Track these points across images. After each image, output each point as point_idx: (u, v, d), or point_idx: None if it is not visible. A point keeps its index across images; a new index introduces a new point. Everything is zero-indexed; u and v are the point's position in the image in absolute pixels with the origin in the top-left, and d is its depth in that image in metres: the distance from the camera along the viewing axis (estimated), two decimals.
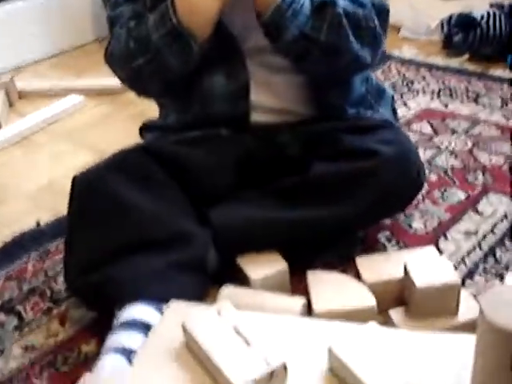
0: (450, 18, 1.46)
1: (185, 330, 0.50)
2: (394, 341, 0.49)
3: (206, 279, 0.66)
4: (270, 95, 0.75)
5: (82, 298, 0.67)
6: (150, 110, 1.16)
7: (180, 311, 0.54)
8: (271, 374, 0.45)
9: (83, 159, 1.12)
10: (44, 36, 1.66)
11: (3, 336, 0.69)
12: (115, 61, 0.74)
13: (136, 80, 0.74)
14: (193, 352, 0.49)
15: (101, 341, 0.64)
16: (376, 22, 0.71)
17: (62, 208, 0.93)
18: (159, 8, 0.68)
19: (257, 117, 0.75)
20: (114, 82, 1.39)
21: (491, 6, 1.47)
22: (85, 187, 0.66)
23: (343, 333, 0.51)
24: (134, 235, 0.63)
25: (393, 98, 0.85)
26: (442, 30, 1.48)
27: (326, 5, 0.68)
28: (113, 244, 0.62)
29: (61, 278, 0.77)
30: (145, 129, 0.84)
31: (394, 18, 1.58)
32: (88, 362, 0.63)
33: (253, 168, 0.73)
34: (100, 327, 0.66)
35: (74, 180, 0.69)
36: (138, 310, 0.59)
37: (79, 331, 0.68)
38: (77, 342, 0.67)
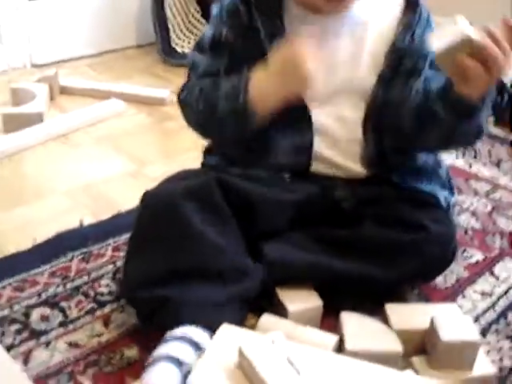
0: None
1: (241, 353, 0.56)
2: None
3: (247, 311, 0.72)
4: (333, 147, 0.80)
5: (137, 308, 0.72)
6: (187, 127, 1.24)
7: (232, 335, 0.60)
8: None
9: (119, 165, 1.18)
10: (87, 35, 1.73)
11: (48, 329, 0.74)
12: (186, 109, 0.81)
13: (199, 131, 0.81)
14: (246, 375, 0.55)
15: (142, 348, 0.70)
16: None
17: (100, 212, 1.00)
18: (233, 79, 0.75)
19: (317, 165, 0.80)
20: (155, 93, 1.47)
21: None
22: (157, 207, 0.71)
23: (375, 373, 0.57)
24: (197, 262, 0.68)
25: (447, 171, 0.89)
26: None
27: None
28: (177, 265, 0.68)
29: (103, 281, 0.83)
30: (208, 152, 0.88)
31: None
32: (131, 366, 0.68)
33: (309, 213, 0.78)
34: (141, 335, 0.72)
35: (146, 196, 0.74)
36: (191, 330, 0.65)
37: (122, 335, 0.73)
38: (120, 346, 0.72)
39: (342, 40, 0.78)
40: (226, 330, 0.61)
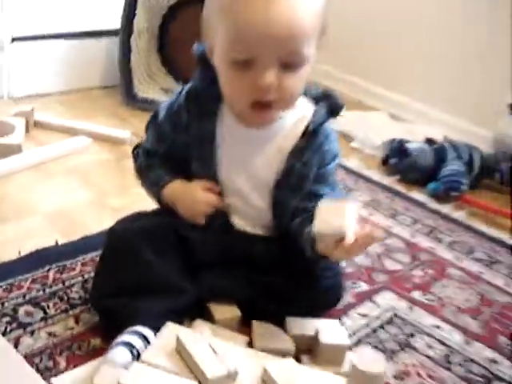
0: (392, 141, 1.83)
1: (178, 341, 0.81)
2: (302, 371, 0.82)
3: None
4: (246, 221, 1.03)
5: (99, 312, 0.97)
6: None
7: (173, 329, 0.85)
8: (228, 373, 0.77)
9: (87, 195, 1.41)
10: (58, 73, 1.96)
11: (33, 322, 0.98)
12: (135, 160, 1.10)
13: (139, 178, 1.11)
14: (182, 356, 0.81)
15: (104, 339, 0.94)
16: None
17: (70, 233, 1.23)
18: (160, 173, 1.04)
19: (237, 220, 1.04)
20: (116, 133, 1.71)
21: (426, 141, 1.85)
22: (117, 242, 0.97)
23: (272, 361, 0.83)
24: (147, 283, 0.93)
25: None
26: (383, 149, 1.85)
27: None
28: (130, 285, 0.93)
29: (74, 289, 1.06)
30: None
31: (348, 129, 1.97)
32: (95, 351, 0.93)
33: (234, 256, 1.02)
34: (103, 330, 0.97)
35: (111, 231, 1.00)
36: (141, 327, 0.90)
37: (89, 329, 0.97)
38: (87, 337, 0.96)
39: (260, 147, 0.98)
40: (169, 327, 0.87)
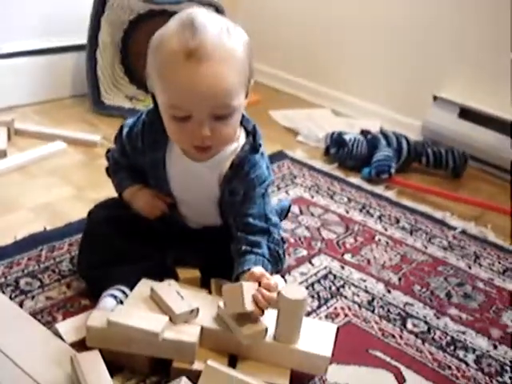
0: (332, 134, 2.09)
1: (152, 290, 1.05)
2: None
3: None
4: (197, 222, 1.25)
5: (86, 280, 1.21)
6: None
7: (147, 283, 1.09)
8: (191, 311, 1.01)
9: (67, 191, 1.63)
10: (32, 86, 2.16)
11: (32, 290, 1.20)
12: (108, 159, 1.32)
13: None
14: (154, 300, 1.05)
15: (91, 300, 1.17)
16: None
17: (57, 222, 1.46)
18: (124, 177, 1.26)
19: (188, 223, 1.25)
20: (89, 137, 1.94)
21: (361, 131, 2.11)
22: (94, 224, 1.22)
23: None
24: (120, 254, 1.17)
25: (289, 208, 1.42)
26: (325, 141, 2.11)
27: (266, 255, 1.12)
28: (108, 257, 1.17)
29: (64, 263, 1.29)
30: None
31: (295, 125, 2.22)
32: (85, 308, 1.16)
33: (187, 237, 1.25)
34: (89, 293, 1.19)
35: (89, 217, 1.25)
36: (120, 286, 1.14)
37: (78, 293, 1.20)
38: (78, 298, 1.19)
39: (202, 174, 1.14)
40: (144, 281, 1.10)
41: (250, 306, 0.97)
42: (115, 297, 1.10)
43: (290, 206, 1.43)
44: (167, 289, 1.06)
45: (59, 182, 1.68)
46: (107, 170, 1.33)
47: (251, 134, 1.14)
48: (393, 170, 1.91)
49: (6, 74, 2.08)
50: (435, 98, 2.23)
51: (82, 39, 2.14)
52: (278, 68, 2.66)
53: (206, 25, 0.98)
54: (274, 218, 1.17)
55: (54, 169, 1.75)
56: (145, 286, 1.10)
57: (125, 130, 1.20)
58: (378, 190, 1.86)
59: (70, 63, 2.26)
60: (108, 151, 1.34)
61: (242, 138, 1.14)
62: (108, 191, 1.35)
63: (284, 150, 2.03)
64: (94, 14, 2.11)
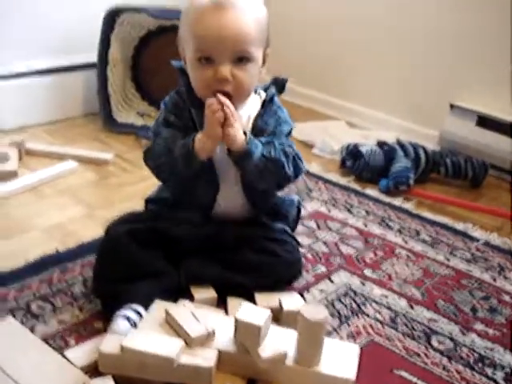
0: (348, 146, 2.05)
1: (167, 313, 1.01)
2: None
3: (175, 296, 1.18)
4: (229, 201, 1.27)
5: (101, 299, 1.18)
6: (127, 183, 1.74)
7: (162, 304, 1.05)
8: (208, 334, 0.97)
9: (78, 211, 1.61)
10: (43, 106, 2.15)
11: (44, 313, 1.17)
12: (151, 155, 1.25)
13: (158, 170, 1.25)
14: (170, 325, 1.01)
15: (104, 323, 1.14)
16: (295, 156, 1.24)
17: (68, 242, 1.43)
18: (185, 139, 1.17)
19: (218, 209, 1.27)
20: (100, 155, 1.91)
21: (377, 143, 2.07)
22: (110, 240, 1.19)
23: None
24: (136, 271, 1.15)
25: (299, 203, 1.41)
26: (340, 153, 2.07)
27: (271, 141, 1.20)
28: (123, 274, 1.14)
29: (77, 286, 1.26)
30: (148, 201, 1.35)
31: (309, 138, 2.19)
32: (98, 332, 1.12)
33: (209, 242, 1.25)
34: (103, 315, 1.16)
35: (107, 229, 1.21)
36: (134, 305, 1.10)
37: (91, 316, 1.17)
38: (91, 321, 1.15)
39: None
40: (158, 303, 1.07)
41: (266, 353, 0.95)
42: (128, 318, 1.06)
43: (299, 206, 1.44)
44: (182, 310, 1.03)
45: (71, 202, 1.66)
46: (157, 171, 1.26)
47: (272, 83, 1.28)
48: (411, 181, 1.87)
49: (17, 94, 2.07)
50: (452, 106, 2.19)
51: (93, 57, 2.13)
52: (292, 82, 2.62)
53: None
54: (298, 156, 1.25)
55: (65, 188, 1.73)
56: (159, 307, 1.06)
57: (164, 104, 1.26)
58: (397, 202, 1.81)
59: (81, 82, 2.25)
60: (147, 148, 1.28)
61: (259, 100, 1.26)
62: (120, 209, 1.32)
63: None
64: (104, 32, 2.10)
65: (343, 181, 1.92)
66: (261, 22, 1.18)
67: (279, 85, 1.29)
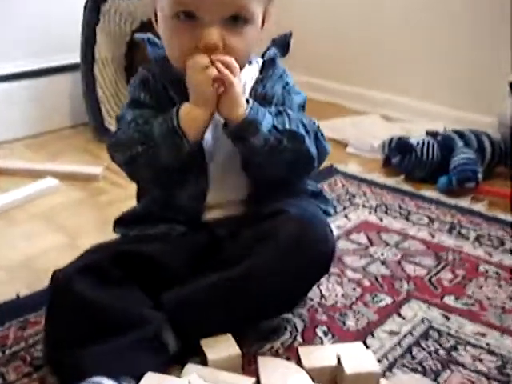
0: (391, 140, 1.66)
1: None
2: None
3: (166, 358, 0.79)
4: (222, 193, 0.94)
5: (55, 371, 0.80)
6: (119, 199, 1.38)
7: (154, 381, 0.66)
8: None
9: (56, 240, 1.25)
10: (23, 117, 1.80)
11: None
12: (118, 146, 0.89)
13: (131, 165, 0.90)
14: None
15: None
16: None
17: (36, 284, 1.05)
18: (166, 114, 0.86)
19: (208, 215, 0.94)
20: (88, 170, 1.55)
21: (427, 133, 1.68)
22: (58, 285, 0.82)
23: None
24: (95, 326, 0.78)
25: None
26: (383, 150, 1.69)
27: (282, 110, 0.89)
28: (79, 334, 0.78)
29: (39, 346, 0.88)
30: (117, 223, 0.99)
31: (341, 135, 1.82)
32: None
33: (200, 256, 0.91)
34: None
35: (53, 276, 0.83)
36: (98, 378, 0.72)
37: None
38: None
39: None
40: (150, 377, 0.68)
41: None
42: None
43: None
44: None
45: (47, 229, 1.29)
46: (130, 167, 0.92)
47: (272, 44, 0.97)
48: (480, 176, 1.47)
49: None
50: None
51: (77, 56, 1.77)
52: (317, 77, 2.26)
53: None
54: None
55: (41, 212, 1.37)
56: None
57: (130, 85, 0.96)
58: (463, 203, 1.42)
59: (67, 87, 1.89)
60: (112, 138, 0.95)
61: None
62: (110, 236, 0.95)
63: (334, 164, 1.61)
64: (87, 23, 1.74)
65: (391, 181, 1.53)
66: None
67: (281, 44, 0.97)
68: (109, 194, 1.45)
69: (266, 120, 0.86)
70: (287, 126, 0.88)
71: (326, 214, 0.99)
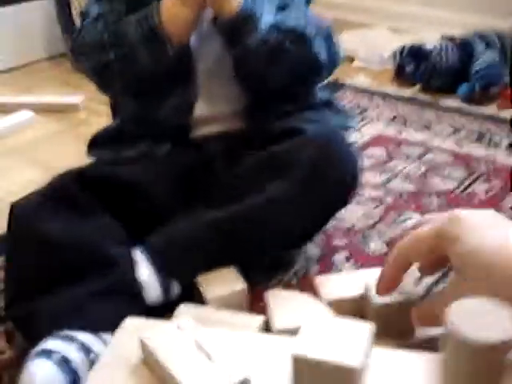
0: (403, 48, 1.50)
1: (143, 345, 0.48)
2: None
3: (140, 309, 0.64)
4: (211, 105, 0.79)
5: (15, 324, 0.66)
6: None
7: (137, 327, 0.52)
8: None
9: (31, 175, 1.11)
10: None
11: None
12: (85, 50, 0.74)
13: (101, 73, 0.75)
14: (151, 368, 0.47)
15: None
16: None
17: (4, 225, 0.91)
18: (143, 10, 0.71)
19: (196, 131, 0.78)
20: (67, 100, 1.39)
21: (442, 38, 1.51)
22: (15, 219, 0.67)
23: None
24: (56, 269, 0.63)
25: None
26: (394, 60, 1.52)
27: (285, 4, 0.75)
28: (38, 278, 0.63)
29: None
30: (90, 145, 0.83)
31: (348, 48, 1.65)
32: None
33: (190, 180, 0.76)
34: None
35: (11, 208, 0.68)
36: (73, 332, 0.59)
37: (26, 350, 0.65)
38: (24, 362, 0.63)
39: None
40: (130, 322, 0.53)
41: None
42: (50, 354, 0.54)
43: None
44: (175, 340, 0.48)
45: (21, 164, 1.15)
46: (99, 75, 0.76)
47: None
48: (505, 79, 1.30)
49: None
50: None
51: None
52: None
53: None
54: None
55: (15, 147, 1.23)
56: (132, 332, 0.52)
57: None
58: (490, 110, 1.25)
59: (40, 17, 1.71)
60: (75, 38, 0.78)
61: None
62: None
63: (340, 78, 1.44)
64: None
65: (407, 93, 1.36)
66: None
67: None
68: (90, 125, 1.29)
69: (265, 15, 0.70)
70: (291, 24, 0.72)
71: (347, 128, 0.83)
